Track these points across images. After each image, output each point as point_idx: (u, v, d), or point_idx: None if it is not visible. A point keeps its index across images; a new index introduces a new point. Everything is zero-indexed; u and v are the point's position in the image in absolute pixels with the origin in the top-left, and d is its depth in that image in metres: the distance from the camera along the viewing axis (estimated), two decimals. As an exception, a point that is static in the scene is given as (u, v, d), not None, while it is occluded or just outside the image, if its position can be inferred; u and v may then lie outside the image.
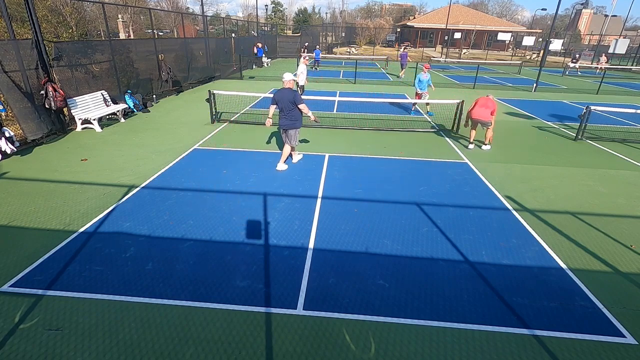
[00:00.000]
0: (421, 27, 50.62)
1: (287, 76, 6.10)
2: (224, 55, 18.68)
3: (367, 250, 4.11)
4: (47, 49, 7.54)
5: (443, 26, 39.88)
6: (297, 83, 11.81)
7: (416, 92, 10.90)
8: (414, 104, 11.63)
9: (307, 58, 12.30)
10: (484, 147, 7.95)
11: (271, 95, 5.95)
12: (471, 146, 7.95)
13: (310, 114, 6.25)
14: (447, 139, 8.68)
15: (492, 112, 7.56)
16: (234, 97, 11.57)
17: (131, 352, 2.75)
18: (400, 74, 20.17)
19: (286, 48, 34.18)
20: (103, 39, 14.75)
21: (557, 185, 6.11)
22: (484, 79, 20.15)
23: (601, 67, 22.77)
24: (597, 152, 8.01)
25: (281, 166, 6.40)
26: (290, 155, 6.70)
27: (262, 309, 3.21)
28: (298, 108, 6.03)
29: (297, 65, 12.23)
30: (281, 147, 7.13)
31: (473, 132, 7.95)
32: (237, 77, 17.94)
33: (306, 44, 30.07)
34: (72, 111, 8.21)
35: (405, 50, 24.29)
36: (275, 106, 6.12)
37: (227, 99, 11.50)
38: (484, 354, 2.83)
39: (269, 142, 7.94)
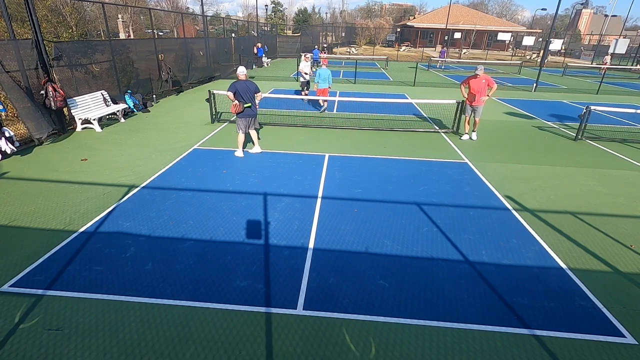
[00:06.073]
0: (421, 27, 50.63)
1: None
2: (224, 55, 18.68)
3: (367, 250, 4.11)
4: (47, 49, 7.53)
5: (443, 26, 39.90)
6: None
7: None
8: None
9: (308, 57, 12.49)
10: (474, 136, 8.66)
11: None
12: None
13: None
14: (447, 139, 8.68)
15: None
16: (234, 97, 11.55)
17: (131, 352, 2.75)
18: (440, 65, 26.84)
19: (286, 48, 34.20)
20: (103, 39, 14.74)
21: (557, 185, 6.10)
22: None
23: (604, 68, 22.69)
24: (597, 152, 8.01)
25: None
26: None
27: (262, 309, 3.21)
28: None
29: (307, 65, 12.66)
30: (281, 147, 7.60)
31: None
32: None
33: (325, 45, 34.78)
34: (72, 111, 8.21)
35: (444, 48, 30.47)
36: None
37: (227, 99, 11.43)
38: (484, 354, 2.83)
39: (268, 142, 7.94)
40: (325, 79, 10.48)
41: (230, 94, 6.64)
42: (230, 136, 8.34)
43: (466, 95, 8.45)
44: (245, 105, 6.60)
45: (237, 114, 6.69)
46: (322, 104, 11.19)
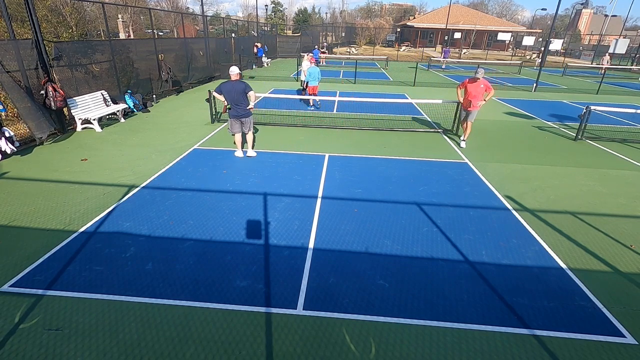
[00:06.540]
0: (421, 27, 50.63)
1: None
2: (224, 55, 18.68)
3: (367, 250, 4.11)
4: (47, 49, 7.53)
5: (443, 26, 39.88)
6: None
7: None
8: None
9: (310, 56, 12.63)
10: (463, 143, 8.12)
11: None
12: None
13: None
14: (447, 139, 8.68)
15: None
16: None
17: (131, 352, 2.75)
18: (442, 65, 27.31)
19: (286, 48, 34.20)
20: (103, 39, 14.75)
21: (557, 185, 6.10)
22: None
23: (604, 68, 22.64)
24: (597, 152, 8.01)
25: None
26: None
27: (262, 309, 3.21)
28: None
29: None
30: (281, 147, 7.60)
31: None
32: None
33: (325, 44, 35.35)
34: (72, 111, 8.21)
35: (447, 47, 31.45)
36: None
37: (227, 99, 11.50)
38: (484, 354, 2.83)
39: (268, 142, 7.94)
40: (315, 77, 10.82)
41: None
42: (230, 136, 8.33)
43: (462, 99, 8.21)
44: (227, 107, 6.53)
45: (229, 114, 6.65)
46: (312, 103, 11.59)
